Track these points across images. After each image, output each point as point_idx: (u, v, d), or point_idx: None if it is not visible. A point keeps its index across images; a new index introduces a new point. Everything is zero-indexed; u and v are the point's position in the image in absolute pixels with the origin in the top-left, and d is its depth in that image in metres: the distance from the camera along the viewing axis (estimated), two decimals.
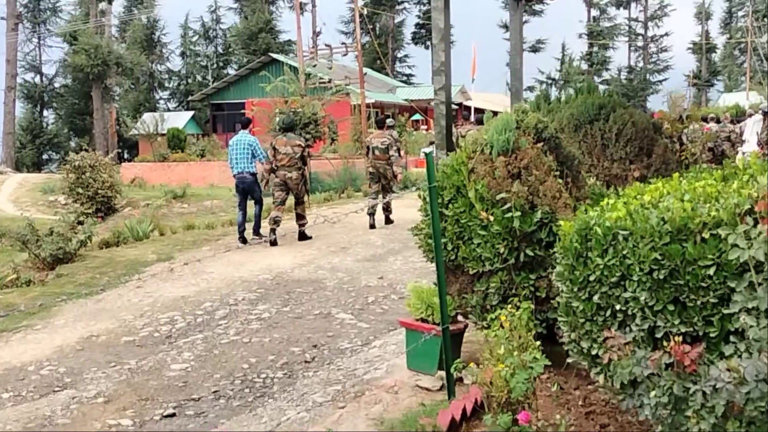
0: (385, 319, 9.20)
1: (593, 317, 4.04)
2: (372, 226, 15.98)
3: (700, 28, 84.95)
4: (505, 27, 78.39)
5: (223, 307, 9.95)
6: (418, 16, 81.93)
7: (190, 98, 63.77)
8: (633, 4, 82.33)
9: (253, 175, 14.82)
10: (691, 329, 3.74)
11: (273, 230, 14.30)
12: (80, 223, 14.74)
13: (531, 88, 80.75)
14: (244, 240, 14.53)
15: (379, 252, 12.95)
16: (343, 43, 38.87)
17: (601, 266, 3.93)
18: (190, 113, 58.63)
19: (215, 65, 74.27)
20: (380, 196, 16.27)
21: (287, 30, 73.78)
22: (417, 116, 47.81)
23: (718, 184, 4.08)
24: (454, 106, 51.21)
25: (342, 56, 35.54)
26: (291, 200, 14.87)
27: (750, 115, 21.83)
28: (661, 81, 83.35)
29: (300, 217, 14.88)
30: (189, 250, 13.94)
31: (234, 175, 14.93)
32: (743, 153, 17.95)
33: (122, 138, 58.31)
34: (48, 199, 30.33)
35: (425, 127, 46.81)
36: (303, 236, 14.76)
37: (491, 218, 5.44)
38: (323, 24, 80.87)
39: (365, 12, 32.60)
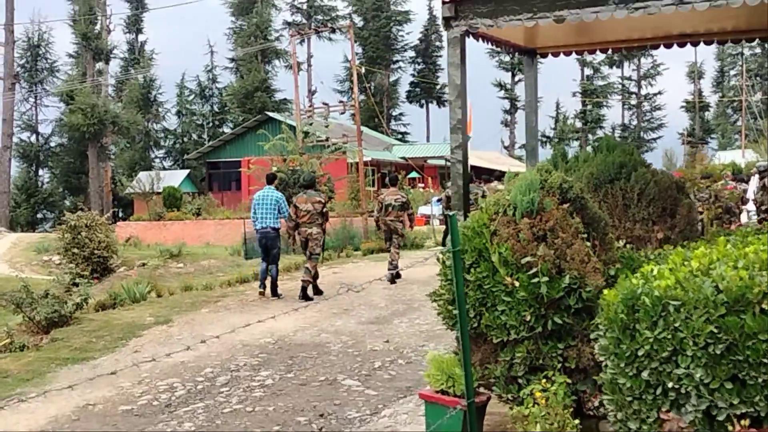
0: (393, 385, 8.85)
1: (642, 395, 3.71)
2: (393, 282, 16.18)
3: (692, 87, 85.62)
4: (500, 86, 79.07)
5: (224, 373, 9.58)
6: (413, 75, 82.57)
7: (185, 157, 63.81)
8: (626, 64, 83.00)
9: (276, 230, 14.91)
10: (752, 409, 3.43)
11: (305, 287, 14.49)
12: (75, 284, 14.40)
13: (524, 146, 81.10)
14: (264, 288, 14.76)
15: (383, 314, 12.61)
16: (340, 101, 38.92)
17: (651, 340, 3.63)
18: (186, 172, 58.60)
19: (211, 124, 74.48)
20: (391, 249, 16.65)
21: (283, 89, 73.97)
22: (414, 174, 47.74)
23: None
24: (449, 164, 51.24)
25: (340, 114, 35.47)
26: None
27: (755, 173, 21.72)
28: (655, 139, 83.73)
29: (308, 272, 14.75)
30: (187, 312, 13.57)
31: (257, 230, 15.03)
32: (747, 212, 17.75)
33: (117, 197, 58.13)
34: (42, 258, 29.99)
35: (422, 185, 46.71)
36: (305, 295, 14.53)
37: (516, 284, 5.13)
38: (321, 82, 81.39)
39: (363, 70, 32.59)
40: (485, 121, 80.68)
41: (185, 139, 74.00)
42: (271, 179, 15.63)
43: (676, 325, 3.58)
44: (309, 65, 71.85)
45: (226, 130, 70.33)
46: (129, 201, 53.33)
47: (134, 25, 75.02)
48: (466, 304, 5.43)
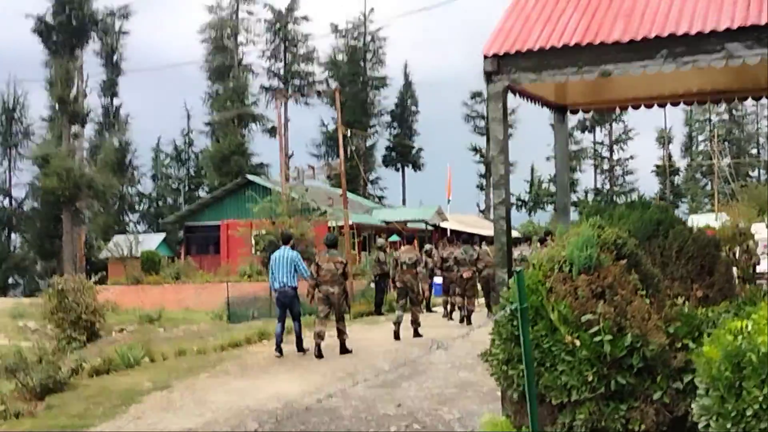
0: None
1: None
2: (397, 337, 16.71)
3: (662, 152, 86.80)
4: (475, 150, 79.51)
5: None
6: (388, 140, 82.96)
7: (162, 220, 63.37)
8: (598, 128, 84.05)
9: (294, 289, 15.22)
10: None
11: (318, 345, 14.57)
12: (60, 349, 14.03)
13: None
14: (280, 351, 14.83)
15: (390, 377, 12.32)
16: (326, 164, 38.88)
17: (760, 399, 3.45)
18: (162, 235, 58.08)
19: (187, 187, 74.23)
20: (408, 306, 17.24)
21: (259, 153, 73.98)
22: (395, 237, 47.61)
23: None
24: (429, 228, 51.15)
25: (326, 177, 35.38)
26: None
27: None
28: (620, 206, 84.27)
29: (341, 332, 15.07)
30: (186, 377, 13.20)
31: (275, 289, 15.43)
32: None
33: (90, 261, 57.40)
34: (18, 324, 29.36)
35: (404, 248, 46.53)
36: (344, 349, 14.97)
37: (578, 342, 4.97)
38: (305, 144, 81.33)
39: (348, 133, 32.70)
40: (461, 186, 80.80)
41: (160, 203, 73.74)
42: (287, 239, 16.01)
43: None
44: (286, 129, 71.97)
45: (202, 193, 70.15)
46: (103, 265, 52.66)
47: (109, 89, 74.93)
48: (521, 364, 5.25)
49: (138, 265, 41.94)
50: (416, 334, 17.05)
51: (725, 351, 3.60)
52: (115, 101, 75.82)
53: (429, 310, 23.89)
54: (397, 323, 16.93)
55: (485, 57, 6.22)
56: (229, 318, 23.66)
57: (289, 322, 15.55)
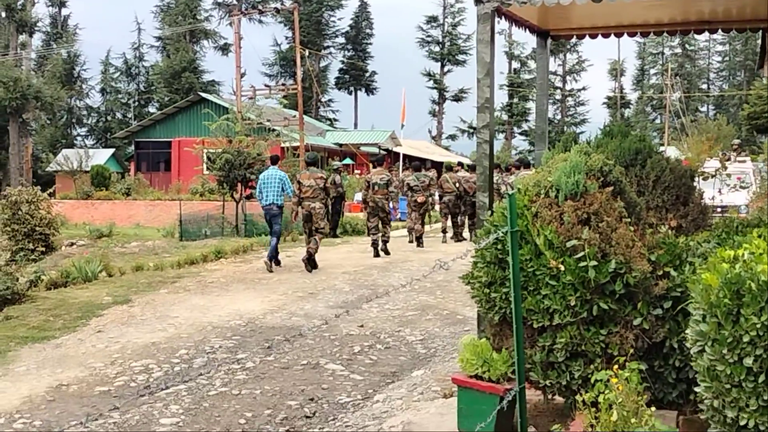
0: (377, 370, 8.69)
1: (742, 383, 3.60)
2: (377, 254, 17.65)
3: (614, 84, 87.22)
4: (429, 75, 79.05)
5: (200, 355, 9.26)
6: (342, 62, 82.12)
7: (112, 135, 62.25)
8: (552, 58, 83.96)
9: (280, 207, 16.25)
10: None
11: (305, 260, 15.39)
12: (14, 260, 13.85)
13: (452, 137, 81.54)
14: (275, 261, 15.85)
15: (350, 298, 12.40)
16: (283, 84, 38.34)
17: (758, 326, 3.51)
18: (111, 151, 57.15)
19: (136, 103, 72.85)
20: (380, 227, 18.07)
21: (211, 70, 72.89)
22: (348, 160, 47.46)
23: None
24: (382, 152, 51.05)
25: (282, 97, 34.93)
26: None
27: None
28: (578, 133, 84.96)
29: (315, 242, 15.62)
30: (146, 292, 13.14)
31: (263, 206, 16.40)
32: None
33: (37, 174, 56.37)
34: None
35: (358, 171, 46.49)
36: (313, 264, 15.51)
37: (562, 267, 4.99)
38: (262, 64, 79.97)
39: (306, 54, 32.10)
40: (413, 112, 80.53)
41: (109, 118, 72.32)
42: (275, 160, 17.20)
43: None
44: (239, 47, 70.79)
45: (152, 109, 68.96)
46: (50, 179, 51.72)
47: None
48: (503, 287, 5.29)
49: (88, 179, 41.27)
50: (386, 252, 17.91)
51: (724, 278, 3.64)
52: (64, 11, 73.94)
53: (334, 233, 24.18)
54: (374, 243, 17.81)
55: None
56: (182, 235, 23.44)
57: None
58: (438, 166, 45.68)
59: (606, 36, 7.82)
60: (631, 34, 7.88)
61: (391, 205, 18.61)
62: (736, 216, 9.09)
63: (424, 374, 8.39)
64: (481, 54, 6.19)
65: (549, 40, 7.90)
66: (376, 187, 18.36)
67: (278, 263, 15.99)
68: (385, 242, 18.08)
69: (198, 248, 18.65)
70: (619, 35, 7.88)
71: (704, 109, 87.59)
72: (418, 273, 14.32)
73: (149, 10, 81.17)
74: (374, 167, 20.21)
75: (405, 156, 48.25)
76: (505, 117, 79.76)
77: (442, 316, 11.19)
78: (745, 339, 3.56)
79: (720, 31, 7.76)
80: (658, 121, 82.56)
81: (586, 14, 7.10)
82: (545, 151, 6.69)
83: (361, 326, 10.60)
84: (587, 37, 7.87)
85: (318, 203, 15.67)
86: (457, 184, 21.51)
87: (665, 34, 8.02)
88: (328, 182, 16.98)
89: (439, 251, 18.38)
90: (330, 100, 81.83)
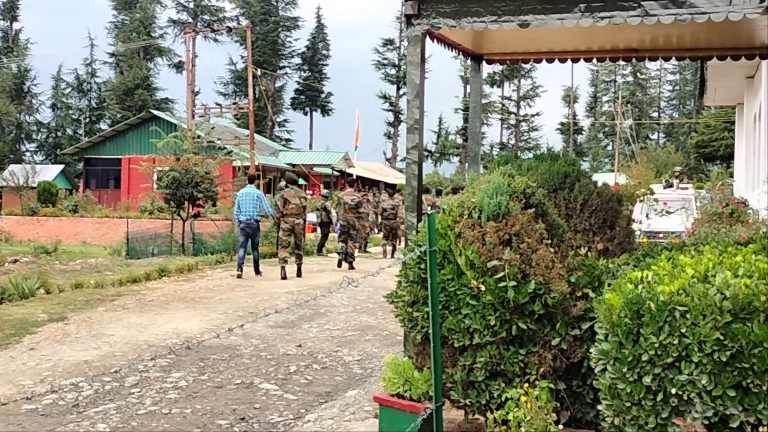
0: (312, 390, 8.65)
1: (641, 401, 3.67)
2: (340, 265, 19.93)
3: (567, 110, 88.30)
4: (384, 97, 79.42)
5: (132, 374, 9.15)
6: (298, 82, 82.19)
7: (61, 152, 61.54)
8: (506, 83, 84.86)
9: (258, 222, 17.94)
10: (754, 418, 3.43)
11: (283, 268, 17.26)
12: None
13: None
14: (241, 272, 17.27)
15: (291, 318, 12.36)
16: (235, 103, 38.24)
17: (656, 345, 3.59)
18: (60, 167, 56.50)
19: (88, 119, 72.16)
20: (348, 243, 19.97)
21: (165, 88, 72.72)
22: (300, 180, 47.41)
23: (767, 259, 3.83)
24: (335, 173, 51.05)
25: (233, 115, 34.82)
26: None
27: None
28: (530, 157, 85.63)
29: (299, 258, 17.91)
30: (83, 310, 12.96)
31: (241, 221, 17.82)
32: None
33: None
34: None
35: (310, 192, 46.43)
36: (300, 273, 17.68)
37: (483, 287, 5.05)
38: (214, 82, 79.85)
39: (259, 73, 32.08)
40: (369, 134, 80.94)
41: (59, 134, 71.56)
42: (251, 179, 19.06)
43: (683, 330, 3.55)
44: (193, 65, 70.56)
45: (104, 126, 68.41)
46: None
47: (9, 11, 72.16)
48: (426, 306, 5.32)
49: (34, 195, 40.73)
50: (350, 266, 19.78)
51: (626, 298, 3.71)
52: (15, 25, 73.20)
53: (320, 252, 24.69)
54: (340, 255, 19.92)
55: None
56: (128, 253, 23.24)
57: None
58: (392, 187, 45.85)
59: (538, 61, 7.95)
60: (562, 60, 8.02)
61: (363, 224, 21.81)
62: (675, 241, 9.26)
63: (358, 394, 8.39)
64: (411, 76, 6.25)
65: (483, 64, 8.01)
66: (347, 207, 20.39)
67: (259, 272, 17.77)
68: (351, 259, 19.92)
69: (142, 266, 18.48)
70: (550, 61, 8.01)
71: (654, 136, 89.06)
72: (362, 294, 14.35)
73: (103, 26, 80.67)
74: (345, 188, 22.33)
75: (359, 177, 48.34)
76: (459, 140, 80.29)
77: (381, 337, 11.20)
78: (644, 358, 3.63)
79: (647, 59, 7.93)
80: (609, 147, 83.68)
81: (517, 39, 7.21)
82: (470, 173, 6.76)
83: (299, 346, 10.56)
84: (520, 61, 8.00)
85: (300, 220, 17.68)
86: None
87: (595, 60, 8.18)
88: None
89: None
90: (285, 120, 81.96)
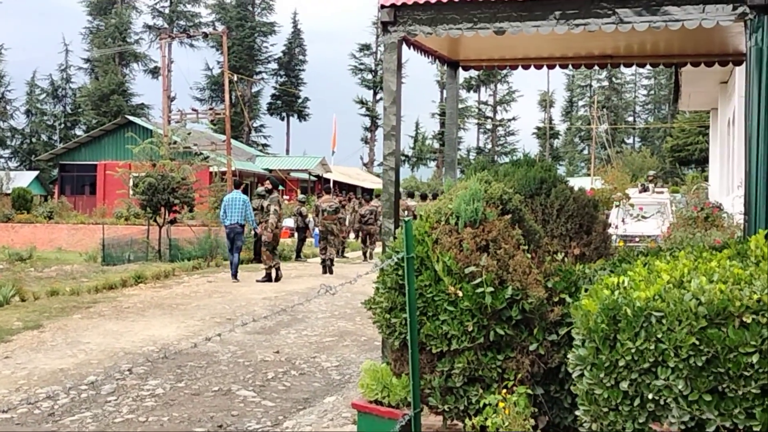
0: (290, 396, 8.63)
1: (619, 406, 3.69)
2: (325, 271, 20.19)
3: (543, 115, 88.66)
4: (361, 102, 79.43)
5: (109, 382, 9.08)
6: (274, 87, 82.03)
7: (35, 158, 61.10)
8: (483, 88, 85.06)
9: (242, 226, 18.33)
10: (730, 422, 3.46)
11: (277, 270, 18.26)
12: None
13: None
14: (234, 275, 18.09)
15: (268, 324, 12.34)
16: (211, 109, 38.13)
17: (632, 350, 3.61)
18: (34, 173, 56.14)
19: (63, 125, 71.69)
20: (328, 249, 20.36)
21: (141, 93, 72.49)
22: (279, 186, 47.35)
23: (741, 264, 3.87)
24: (313, 178, 50.99)
25: (209, 121, 34.74)
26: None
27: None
28: (506, 163, 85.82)
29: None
30: (58, 317, 12.88)
31: (226, 225, 18.27)
32: None
33: None
34: None
35: (287, 197, 46.35)
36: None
37: (460, 293, 5.06)
38: (190, 87, 79.82)
39: (235, 78, 31.98)
40: (346, 139, 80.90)
41: (34, 140, 71.05)
42: (238, 185, 19.97)
43: (659, 336, 3.58)
44: (169, 71, 70.23)
45: (79, 132, 68.00)
46: None
47: None
48: (404, 312, 5.33)
49: (8, 202, 40.38)
50: (330, 271, 20.11)
51: (603, 304, 3.73)
52: None
53: (298, 257, 24.75)
54: (323, 262, 20.23)
55: (382, 6, 6.19)
56: (104, 260, 23.12)
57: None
58: (369, 192, 45.84)
59: (514, 67, 8.00)
60: (538, 67, 8.07)
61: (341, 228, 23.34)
62: (651, 245, 9.32)
63: (336, 400, 8.38)
64: (388, 83, 6.27)
65: (459, 70, 8.04)
66: (326, 213, 20.91)
67: (237, 279, 17.98)
68: (330, 263, 20.24)
69: (118, 273, 18.37)
70: (526, 67, 8.06)
71: (630, 141, 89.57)
72: (340, 299, 14.34)
73: (78, 32, 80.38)
74: (322, 195, 22.98)
75: (336, 182, 48.33)
76: (436, 145, 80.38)
77: (359, 343, 11.20)
78: (621, 363, 3.66)
79: (622, 66, 7.99)
80: (586, 152, 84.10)
81: (493, 46, 7.25)
82: (447, 179, 6.79)
83: (277, 352, 10.55)
84: (496, 68, 8.03)
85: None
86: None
87: (570, 66, 8.23)
88: (255, 207, 19.07)
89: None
90: (262, 126, 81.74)
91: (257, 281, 17.88)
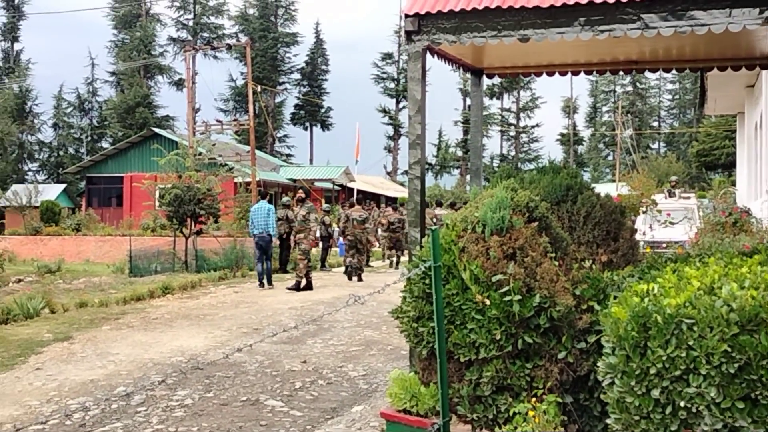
0: (317, 406, 8.64)
1: (650, 414, 3.67)
2: (350, 278, 20.88)
3: (567, 121, 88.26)
4: (384, 111, 79.51)
5: (139, 392, 9.13)
6: (297, 98, 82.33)
7: (63, 171, 61.64)
8: (506, 95, 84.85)
9: (270, 235, 18.84)
10: (764, 429, 3.43)
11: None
12: None
13: (407, 173, 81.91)
14: (262, 284, 18.64)
15: (295, 334, 12.35)
16: (235, 120, 38.33)
17: (663, 358, 3.59)
18: (62, 186, 56.57)
19: (89, 138, 72.29)
20: (356, 257, 21.00)
21: (166, 105, 73.00)
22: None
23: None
24: (336, 188, 51.07)
25: (234, 132, 34.94)
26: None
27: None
28: (532, 170, 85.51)
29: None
30: (87, 329, 12.98)
31: (254, 235, 18.89)
32: None
33: None
34: None
35: (355, 207, 46.34)
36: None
37: (488, 302, 5.06)
38: (215, 99, 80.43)
39: (259, 89, 32.19)
40: (369, 147, 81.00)
41: (61, 153, 71.68)
42: (264, 195, 20.47)
43: (690, 343, 3.56)
44: (193, 82, 70.77)
45: (105, 144, 68.53)
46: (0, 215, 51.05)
47: (10, 32, 72.45)
48: (431, 321, 5.33)
49: (37, 215, 40.79)
50: (359, 278, 20.65)
51: (632, 312, 3.72)
52: (17, 46, 73.46)
53: (323, 266, 24.78)
54: (348, 269, 20.98)
55: (406, 16, 6.21)
56: (131, 271, 23.30)
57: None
58: (393, 201, 45.85)
59: (538, 74, 7.99)
60: (562, 73, 8.06)
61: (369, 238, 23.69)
62: (679, 251, 9.26)
63: (364, 410, 8.38)
64: (413, 91, 6.28)
65: (483, 78, 8.04)
66: (355, 222, 21.43)
67: (271, 283, 18.72)
68: (360, 272, 20.88)
69: (146, 284, 18.52)
70: (550, 74, 8.05)
71: (655, 146, 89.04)
72: (366, 309, 14.33)
73: (103, 45, 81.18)
74: (352, 206, 23.25)
75: (360, 191, 48.38)
76: (460, 153, 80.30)
77: (386, 352, 11.19)
78: (652, 371, 3.64)
79: (648, 71, 7.96)
80: (610, 157, 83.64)
81: (517, 53, 7.24)
82: (473, 187, 6.79)
83: (304, 362, 10.56)
84: (520, 75, 8.03)
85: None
86: (434, 220, 23.30)
87: (595, 73, 8.21)
88: (281, 217, 19.97)
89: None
90: (285, 136, 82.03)
91: (287, 289, 18.12)
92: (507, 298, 5.06)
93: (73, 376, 9.91)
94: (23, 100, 67.81)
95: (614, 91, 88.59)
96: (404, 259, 25.42)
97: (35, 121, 70.42)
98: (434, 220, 23.28)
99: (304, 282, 18.15)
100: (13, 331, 12.74)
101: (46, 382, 9.72)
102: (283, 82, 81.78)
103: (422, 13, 6.25)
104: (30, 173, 70.24)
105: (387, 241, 26.83)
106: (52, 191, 52.11)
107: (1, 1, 70.78)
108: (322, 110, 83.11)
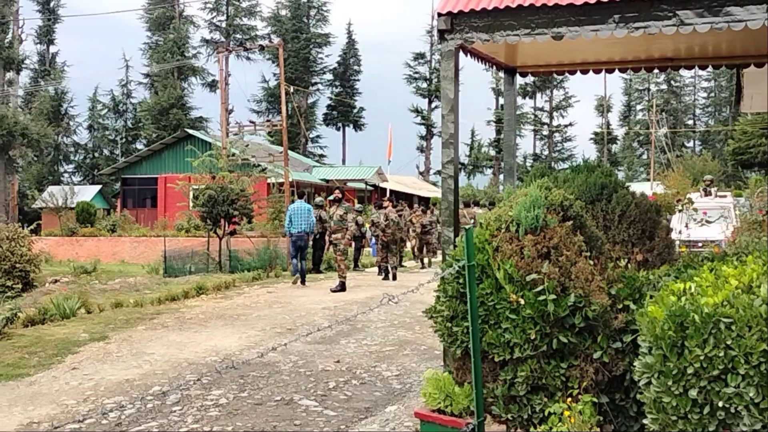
0: (352, 406, 8.64)
1: (688, 414, 3.63)
2: (386, 278, 21.18)
3: (601, 120, 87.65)
4: (416, 111, 79.45)
5: (174, 392, 9.19)
6: (330, 98, 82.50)
7: (98, 172, 62.27)
8: (539, 95, 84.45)
9: (309, 234, 19.47)
10: None
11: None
12: None
13: (440, 172, 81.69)
14: (303, 281, 19.09)
15: (329, 334, 12.37)
16: (268, 120, 38.51)
17: (701, 358, 3.55)
18: (97, 187, 57.18)
19: (124, 139, 72.97)
20: (389, 257, 21.41)
21: (199, 107, 73.54)
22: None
23: None
24: (369, 188, 51.12)
25: (267, 133, 35.08)
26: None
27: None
28: (565, 169, 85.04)
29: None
30: (123, 329, 13.09)
31: (292, 233, 19.23)
32: None
33: (23, 211, 56.31)
34: None
35: (391, 207, 46.45)
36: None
37: (522, 301, 5.03)
38: (248, 100, 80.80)
39: (292, 90, 32.34)
40: (402, 147, 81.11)
41: (96, 154, 72.43)
42: (301, 195, 21.97)
43: (728, 342, 3.52)
44: (226, 84, 71.05)
45: (140, 146, 69.13)
46: (36, 216, 51.63)
47: (46, 35, 73.25)
48: (465, 321, 5.31)
49: (73, 216, 41.23)
50: (394, 277, 20.89)
51: (669, 311, 3.68)
52: (52, 48, 74.34)
53: (356, 266, 24.82)
54: (385, 269, 21.30)
55: (439, 15, 6.19)
56: (166, 272, 23.48)
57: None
58: (425, 201, 45.83)
59: (572, 72, 7.94)
60: (597, 71, 8.00)
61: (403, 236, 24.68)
62: (715, 251, 9.16)
63: (398, 410, 8.37)
64: (446, 90, 6.27)
65: (516, 77, 8.00)
66: (392, 223, 22.03)
67: (304, 283, 18.98)
68: (395, 270, 21.24)
69: (180, 284, 18.65)
70: (584, 72, 7.99)
71: (690, 144, 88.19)
72: (399, 308, 14.33)
73: (137, 47, 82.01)
74: (380, 207, 23.67)
75: (392, 191, 48.40)
76: (492, 152, 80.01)
77: (419, 352, 11.18)
78: (690, 371, 3.60)
79: (683, 68, 7.88)
80: (644, 156, 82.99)
81: (551, 51, 7.20)
82: (507, 186, 6.76)
83: (338, 362, 10.57)
84: (554, 73, 7.99)
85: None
86: (473, 220, 23.48)
87: (630, 70, 8.14)
88: (314, 217, 19.97)
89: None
90: (318, 136, 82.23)
91: (332, 290, 18.03)
92: (541, 298, 5.03)
93: (109, 376, 9.99)
94: (59, 103, 68.54)
95: (648, 90, 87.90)
96: (437, 259, 25.50)
97: (71, 123, 71.20)
98: (473, 220, 23.38)
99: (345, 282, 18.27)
100: (50, 331, 12.88)
101: (82, 381, 9.81)
102: (316, 83, 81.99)
103: (455, 11, 6.23)
104: (66, 175, 71.07)
105: (418, 242, 27.01)
106: (87, 192, 52.69)
107: (36, 4, 71.48)
108: (355, 110, 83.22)
